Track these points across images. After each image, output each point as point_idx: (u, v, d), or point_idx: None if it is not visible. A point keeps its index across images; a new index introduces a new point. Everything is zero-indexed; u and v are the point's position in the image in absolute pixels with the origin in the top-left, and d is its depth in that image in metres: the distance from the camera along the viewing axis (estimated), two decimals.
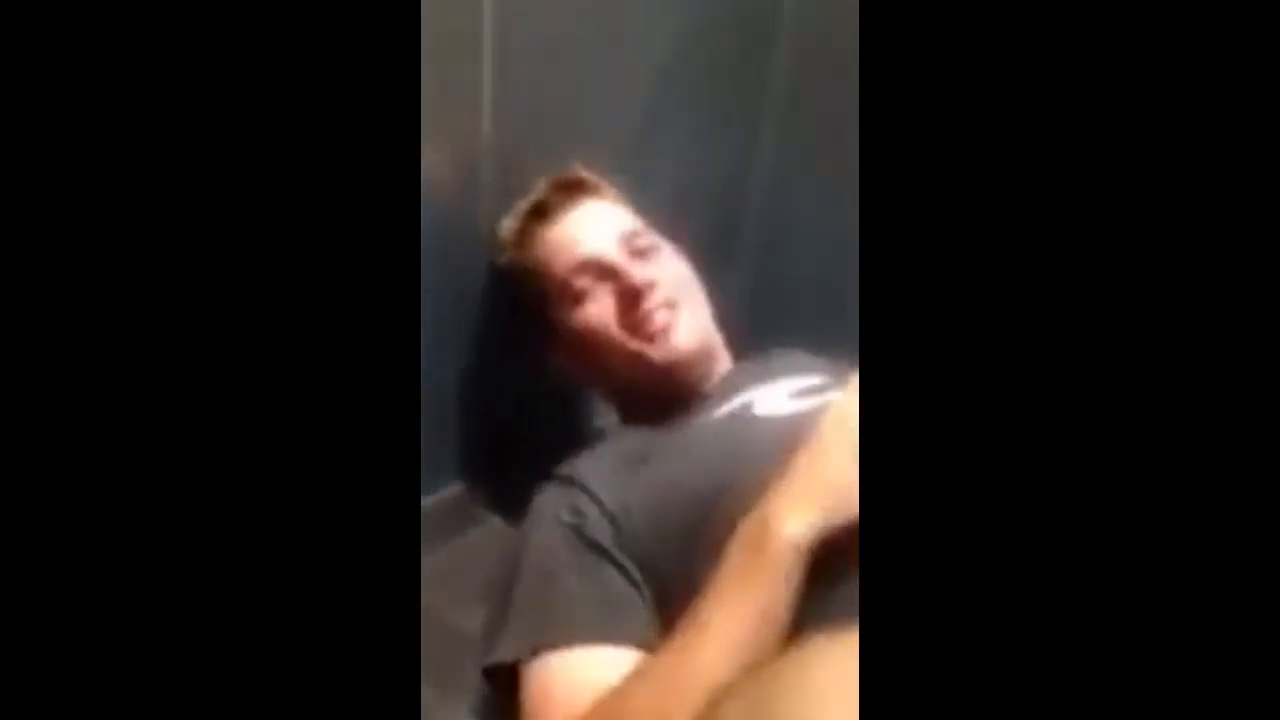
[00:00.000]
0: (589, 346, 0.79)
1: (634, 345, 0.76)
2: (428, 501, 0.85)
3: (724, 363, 0.82)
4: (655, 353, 0.75)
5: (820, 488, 0.53)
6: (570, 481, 0.70)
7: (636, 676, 0.53)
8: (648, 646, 0.57)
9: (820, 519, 0.52)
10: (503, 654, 0.60)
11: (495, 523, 0.86)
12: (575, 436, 0.90)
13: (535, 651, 0.58)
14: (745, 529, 0.53)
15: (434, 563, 0.79)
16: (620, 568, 0.62)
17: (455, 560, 0.81)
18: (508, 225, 0.84)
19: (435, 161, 0.76)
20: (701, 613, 0.51)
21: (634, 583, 0.62)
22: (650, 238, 0.81)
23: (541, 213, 0.82)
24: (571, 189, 0.84)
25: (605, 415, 0.90)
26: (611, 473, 0.69)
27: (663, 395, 0.77)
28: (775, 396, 0.71)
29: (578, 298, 0.78)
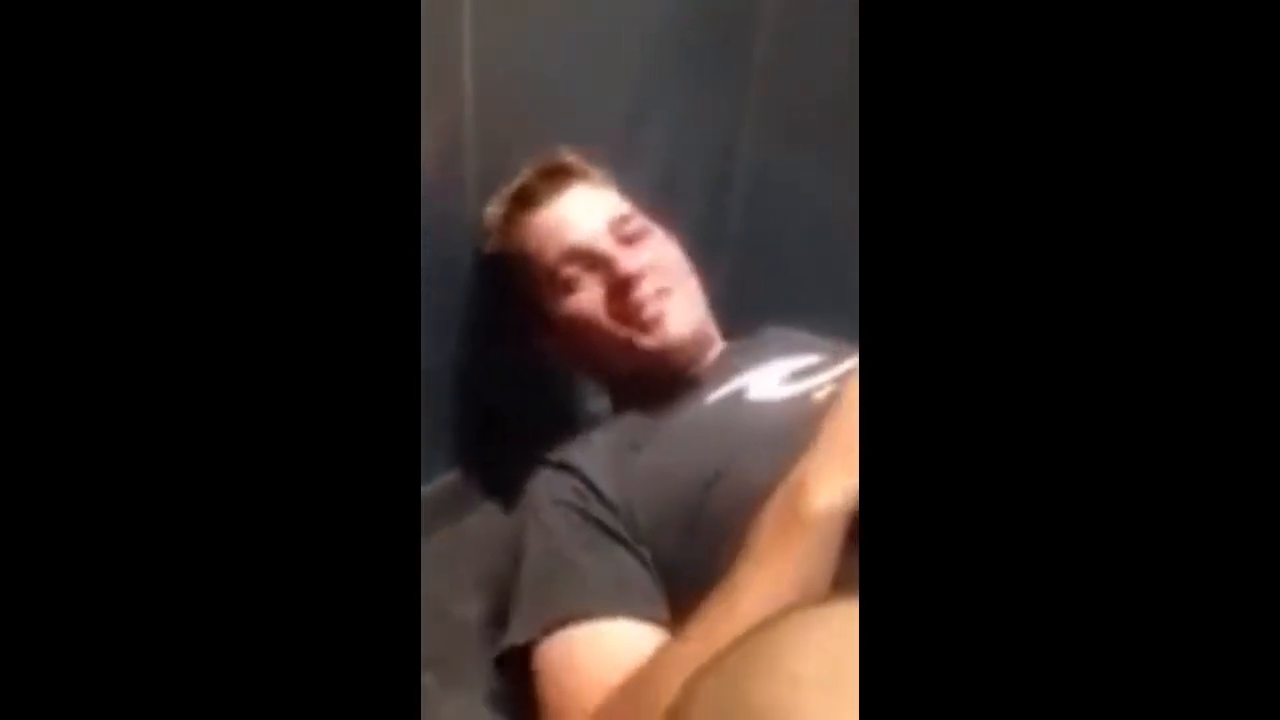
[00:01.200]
0: (579, 334, 0.78)
1: (625, 334, 0.75)
2: (423, 489, 0.84)
3: (716, 345, 0.81)
4: (647, 341, 0.74)
5: (854, 453, 0.51)
6: (565, 468, 0.69)
7: (668, 651, 0.51)
8: (665, 625, 0.56)
9: (856, 484, 0.50)
10: (515, 636, 0.59)
11: (491, 509, 0.86)
12: (568, 422, 0.90)
13: (549, 629, 0.57)
14: (780, 498, 0.52)
15: (429, 550, 0.79)
16: (627, 546, 0.61)
17: (451, 547, 0.81)
18: (492, 212, 0.82)
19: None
20: (738, 582, 0.50)
21: (643, 562, 0.61)
22: (640, 222, 0.80)
23: (527, 199, 0.81)
24: (557, 174, 0.82)
25: (598, 401, 0.90)
26: (605, 461, 0.68)
27: (655, 381, 0.76)
28: (769, 380, 0.71)
29: (567, 286, 0.77)
